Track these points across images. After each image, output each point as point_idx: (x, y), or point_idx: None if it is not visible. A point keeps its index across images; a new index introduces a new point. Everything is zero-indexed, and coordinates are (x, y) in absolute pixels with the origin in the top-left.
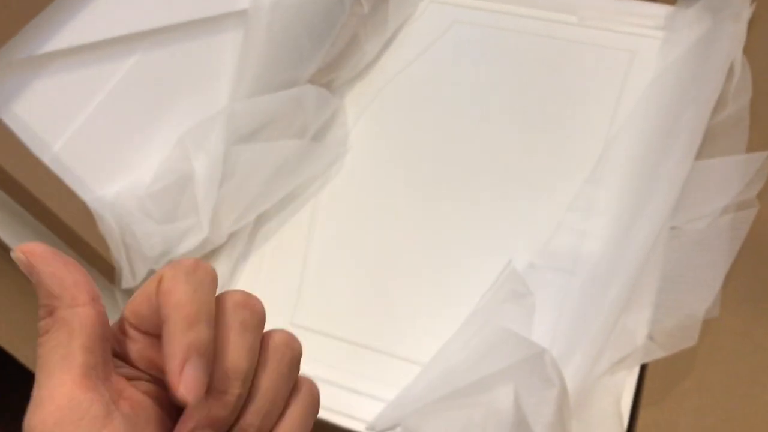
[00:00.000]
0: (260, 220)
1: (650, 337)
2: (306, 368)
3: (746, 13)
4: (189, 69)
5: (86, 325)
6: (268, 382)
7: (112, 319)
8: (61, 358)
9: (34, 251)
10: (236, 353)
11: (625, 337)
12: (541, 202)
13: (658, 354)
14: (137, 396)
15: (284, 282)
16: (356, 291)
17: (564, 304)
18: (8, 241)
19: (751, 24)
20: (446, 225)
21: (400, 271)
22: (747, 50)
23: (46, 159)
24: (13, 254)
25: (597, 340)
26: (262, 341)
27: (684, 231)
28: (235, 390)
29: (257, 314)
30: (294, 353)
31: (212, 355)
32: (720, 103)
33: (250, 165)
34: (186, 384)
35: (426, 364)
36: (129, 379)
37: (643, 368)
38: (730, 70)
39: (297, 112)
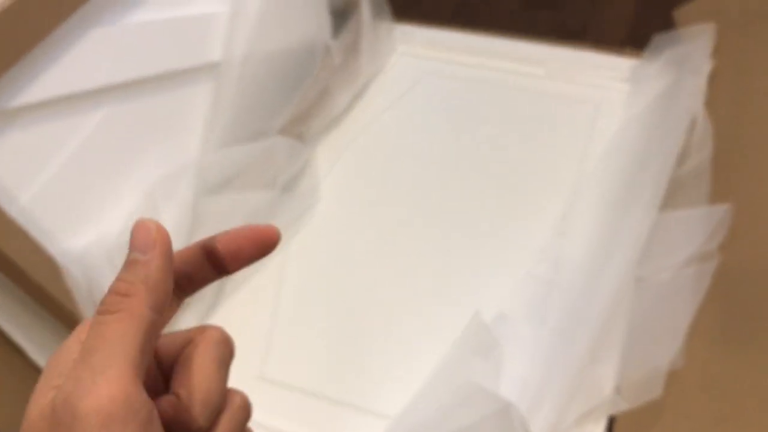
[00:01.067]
0: None
1: (617, 390)
2: (274, 423)
3: (706, 67)
4: (160, 121)
5: (152, 330)
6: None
7: None
8: (125, 349)
9: (163, 235)
10: (211, 384)
11: (592, 388)
12: (509, 252)
13: (624, 406)
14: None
15: (253, 335)
16: (325, 343)
17: (533, 353)
18: None
19: (712, 78)
20: (416, 276)
21: (370, 322)
22: (708, 103)
23: (12, 212)
24: (141, 222)
25: (565, 392)
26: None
27: (649, 283)
28: (205, 419)
29: (231, 350)
30: (248, 415)
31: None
32: (682, 156)
33: (219, 216)
34: None
35: (394, 418)
36: None
37: (611, 420)
38: (692, 124)
39: (268, 163)
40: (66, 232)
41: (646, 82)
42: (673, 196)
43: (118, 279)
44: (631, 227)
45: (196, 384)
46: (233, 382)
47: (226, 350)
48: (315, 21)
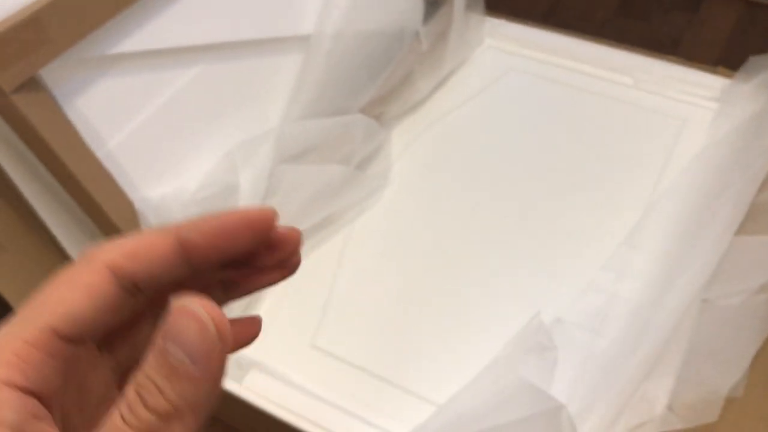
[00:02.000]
0: None
1: (670, 408)
2: (320, 392)
3: None
4: (247, 86)
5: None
6: None
7: None
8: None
9: (224, 337)
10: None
11: (644, 404)
12: (575, 259)
13: (676, 425)
14: None
15: (309, 304)
16: (379, 323)
17: (586, 362)
18: (53, 229)
19: None
20: (477, 269)
21: (425, 309)
22: None
23: (100, 154)
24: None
25: (616, 403)
26: None
27: (716, 305)
28: None
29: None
30: None
31: None
32: (766, 182)
33: (292, 185)
34: None
35: (441, 406)
36: None
37: None
38: None
39: (345, 139)
40: (146, 180)
41: (737, 103)
42: (752, 222)
43: (159, 389)
44: (704, 248)
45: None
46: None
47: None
48: (408, 5)
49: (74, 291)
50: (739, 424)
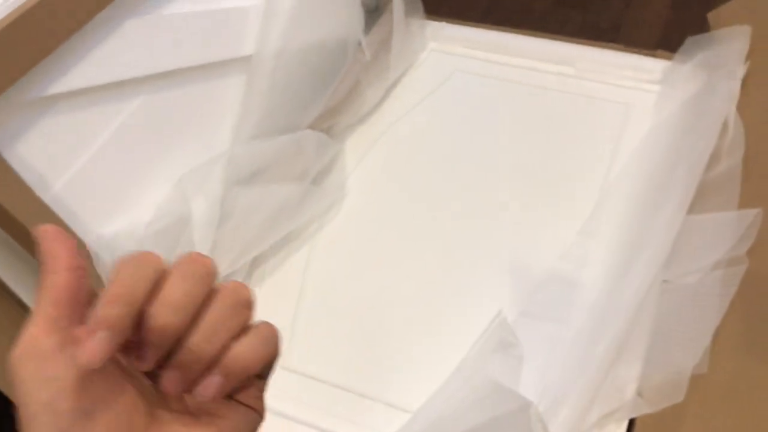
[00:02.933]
0: (256, 261)
1: (639, 393)
2: (293, 411)
3: (740, 71)
4: (192, 112)
5: (55, 287)
6: (210, 314)
7: None
8: (35, 310)
9: (46, 230)
10: (171, 289)
11: (614, 391)
12: (535, 251)
13: (645, 409)
14: None
15: (276, 324)
16: (347, 336)
17: (554, 354)
18: (6, 279)
19: (745, 82)
20: (439, 272)
21: (391, 317)
22: (740, 107)
23: (47, 198)
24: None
25: (586, 392)
26: (212, 291)
27: (675, 285)
28: (163, 317)
29: (203, 267)
30: (239, 296)
31: (128, 331)
32: (713, 159)
33: (248, 207)
34: (84, 350)
35: (414, 413)
36: None
37: (631, 423)
38: (724, 127)
39: (297, 156)
40: (98, 219)
41: (678, 85)
42: (702, 200)
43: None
44: (659, 229)
45: (158, 293)
46: None
47: (192, 266)
48: (347, 16)
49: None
50: (706, 401)
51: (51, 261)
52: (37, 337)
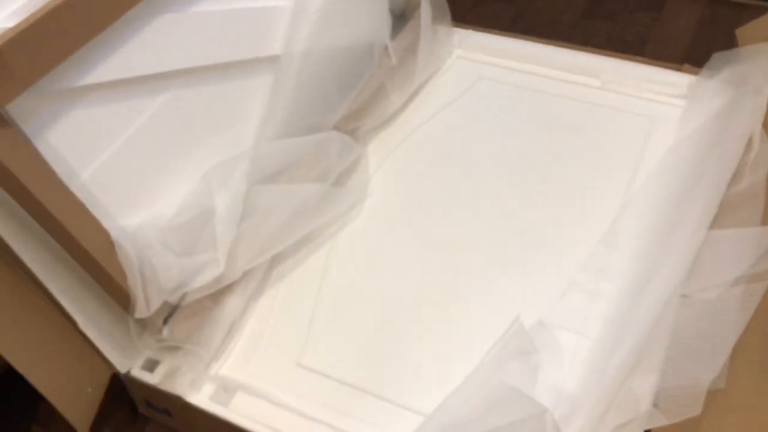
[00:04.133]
0: (275, 260)
1: (654, 404)
2: (309, 410)
3: (766, 87)
4: (218, 109)
5: None
6: None
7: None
8: None
9: None
10: None
11: (629, 401)
12: (554, 261)
13: (661, 421)
14: None
15: (294, 323)
16: (365, 337)
17: (571, 363)
18: (30, 264)
19: None
20: (459, 276)
21: (409, 319)
22: (766, 124)
23: (74, 187)
24: None
25: (601, 402)
26: None
27: (694, 300)
28: None
29: None
30: None
31: None
32: (736, 175)
33: (270, 205)
34: None
35: (428, 416)
36: None
37: None
38: (749, 143)
39: (320, 156)
40: (122, 210)
41: (704, 100)
42: (725, 216)
43: None
44: (680, 243)
45: None
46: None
47: None
48: (375, 21)
49: None
50: (722, 416)
51: None
52: None
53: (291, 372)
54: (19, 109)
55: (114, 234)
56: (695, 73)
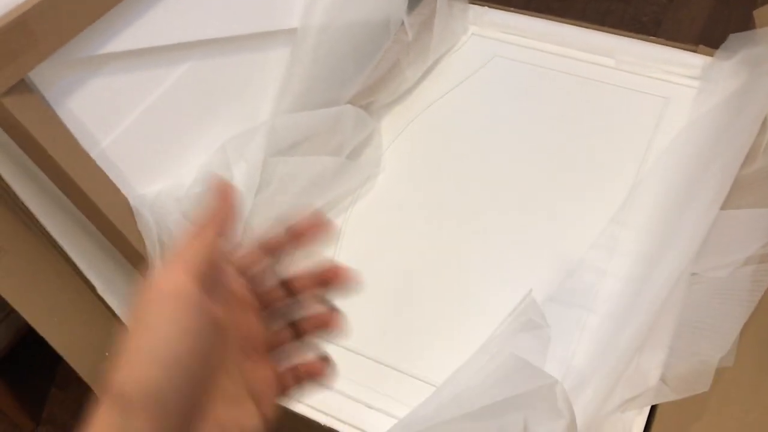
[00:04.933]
0: None
1: (663, 380)
2: None
3: None
4: (236, 80)
5: (212, 246)
6: None
7: None
8: (183, 258)
9: (217, 188)
10: None
11: (638, 376)
12: (566, 238)
13: (669, 396)
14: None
15: None
16: (378, 310)
17: (580, 339)
18: (51, 230)
19: None
20: (470, 252)
21: (421, 292)
22: None
23: (94, 154)
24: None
25: (610, 377)
26: None
27: (704, 278)
28: None
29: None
30: None
31: None
32: (750, 156)
33: (286, 176)
34: None
35: (439, 386)
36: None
37: (653, 409)
38: (763, 125)
39: (335, 130)
40: (142, 178)
41: (718, 81)
42: (737, 196)
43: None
44: (691, 222)
45: None
46: None
47: None
48: None
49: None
50: (730, 394)
51: (220, 223)
52: (186, 282)
53: None
54: (41, 76)
55: (133, 201)
56: (710, 54)
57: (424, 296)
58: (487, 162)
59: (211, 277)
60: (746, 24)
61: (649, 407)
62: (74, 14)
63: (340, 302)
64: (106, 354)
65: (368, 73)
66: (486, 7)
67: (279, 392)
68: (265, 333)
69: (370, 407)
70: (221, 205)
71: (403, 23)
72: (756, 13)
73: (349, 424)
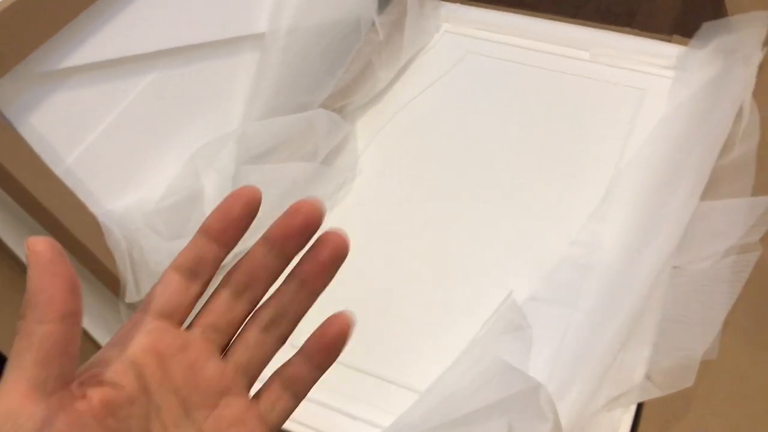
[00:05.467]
0: None
1: (648, 377)
2: None
3: (757, 57)
4: (204, 89)
5: (45, 342)
6: None
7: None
8: (16, 366)
9: (35, 250)
10: None
11: (622, 374)
12: (546, 235)
13: (655, 393)
14: (84, 408)
15: None
16: (358, 316)
17: (563, 337)
18: (17, 250)
19: (761, 68)
20: (450, 253)
21: (402, 297)
22: (756, 94)
23: (59, 171)
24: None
25: (594, 376)
26: None
27: (686, 271)
28: None
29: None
30: None
31: None
32: (727, 146)
33: (259, 185)
34: None
35: (423, 393)
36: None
37: (640, 407)
38: (739, 113)
39: (308, 135)
40: (109, 193)
41: (694, 70)
42: (716, 186)
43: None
44: (671, 215)
45: None
46: None
47: None
48: None
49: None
50: (715, 387)
51: (42, 306)
52: (19, 409)
53: (284, 352)
54: (0, 92)
55: (101, 218)
56: (685, 44)
57: (405, 301)
58: (464, 161)
59: (68, 370)
60: (720, 12)
61: (635, 405)
62: (32, 28)
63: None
64: None
65: (340, 76)
66: (458, 4)
67: (264, 419)
68: (228, 368)
69: (354, 418)
70: (48, 280)
71: (373, 23)
72: (727, 0)
73: None
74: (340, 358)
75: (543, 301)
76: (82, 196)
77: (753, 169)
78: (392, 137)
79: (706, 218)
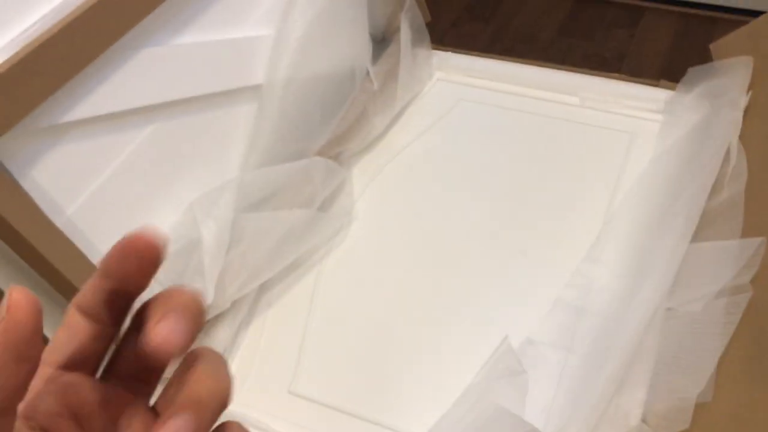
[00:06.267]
0: (264, 287)
1: (644, 420)
2: None
3: (743, 100)
4: (203, 139)
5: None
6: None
7: None
8: None
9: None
10: None
11: (618, 417)
12: (540, 278)
13: None
14: None
15: (284, 349)
16: (355, 361)
17: (560, 380)
18: None
19: (747, 112)
20: (446, 298)
21: (399, 342)
22: (743, 137)
23: (59, 222)
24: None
25: (590, 419)
26: None
27: (679, 313)
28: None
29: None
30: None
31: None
32: (716, 188)
33: (257, 233)
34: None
35: None
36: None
37: None
38: (727, 156)
39: (305, 182)
40: (109, 243)
41: (681, 114)
42: (705, 228)
43: None
44: (663, 257)
45: None
46: (264, 396)
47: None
48: (356, 46)
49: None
50: (711, 427)
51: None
52: None
53: (282, 399)
54: (2, 147)
55: None
56: (672, 88)
57: (400, 346)
58: (457, 206)
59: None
60: (705, 57)
61: None
62: (34, 86)
63: (318, 353)
64: None
65: (336, 123)
66: (450, 52)
67: None
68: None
69: None
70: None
71: (368, 73)
72: (712, 46)
73: None
74: (337, 405)
75: (539, 343)
76: (82, 247)
77: (741, 210)
78: (387, 183)
79: (698, 260)
